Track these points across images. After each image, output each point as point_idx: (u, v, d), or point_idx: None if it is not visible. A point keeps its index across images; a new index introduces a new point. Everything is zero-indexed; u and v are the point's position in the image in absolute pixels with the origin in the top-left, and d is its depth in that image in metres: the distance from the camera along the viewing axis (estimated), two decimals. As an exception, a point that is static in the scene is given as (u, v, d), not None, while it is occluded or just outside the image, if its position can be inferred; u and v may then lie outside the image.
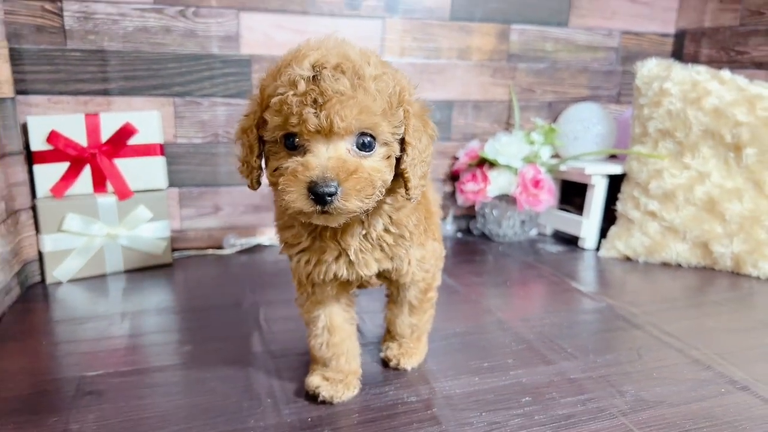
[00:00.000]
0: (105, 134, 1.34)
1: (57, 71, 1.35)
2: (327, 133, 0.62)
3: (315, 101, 0.61)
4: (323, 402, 0.83)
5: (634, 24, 1.83)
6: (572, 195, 1.81)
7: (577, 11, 1.75)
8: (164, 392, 0.86)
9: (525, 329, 1.10)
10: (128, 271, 1.39)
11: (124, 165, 1.36)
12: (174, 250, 1.52)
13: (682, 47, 1.86)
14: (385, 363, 0.95)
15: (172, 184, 1.50)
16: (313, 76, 0.61)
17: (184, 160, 1.50)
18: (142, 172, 1.38)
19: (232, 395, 0.85)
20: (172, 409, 0.82)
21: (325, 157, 0.63)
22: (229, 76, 1.47)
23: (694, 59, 1.81)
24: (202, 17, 1.42)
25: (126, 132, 1.35)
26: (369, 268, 0.77)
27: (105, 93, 1.40)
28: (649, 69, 1.54)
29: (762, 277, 1.40)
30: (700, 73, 1.48)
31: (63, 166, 1.32)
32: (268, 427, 0.78)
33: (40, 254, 1.31)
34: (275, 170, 0.67)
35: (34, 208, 1.30)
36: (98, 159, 1.33)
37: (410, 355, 0.94)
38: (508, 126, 1.78)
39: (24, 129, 1.30)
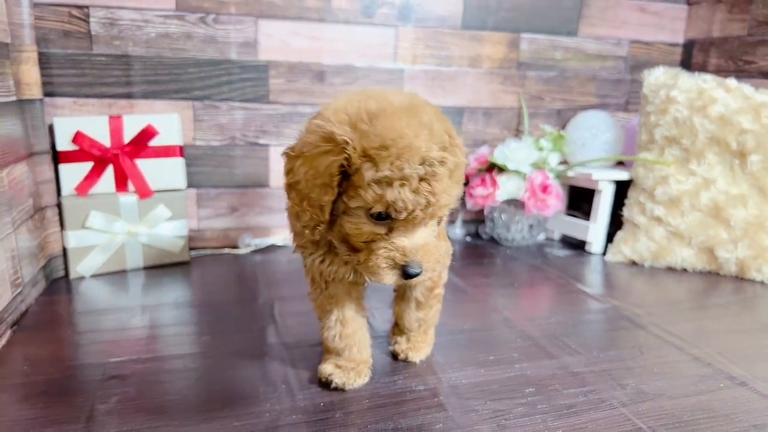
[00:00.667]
0: (127, 136, 1.40)
1: (83, 75, 1.41)
2: (423, 221, 0.68)
3: (427, 201, 0.65)
4: (336, 389, 0.87)
5: (643, 33, 1.86)
6: (581, 201, 1.84)
7: (586, 20, 1.79)
8: (184, 377, 0.91)
9: (531, 327, 1.13)
10: (147, 268, 1.44)
11: (145, 165, 1.42)
12: (191, 248, 1.57)
13: (691, 56, 1.89)
14: (394, 356, 0.99)
15: (190, 185, 1.55)
16: (423, 175, 0.64)
17: (203, 162, 1.55)
18: (162, 173, 1.43)
19: (248, 382, 0.90)
20: (191, 393, 0.86)
21: (419, 244, 0.68)
22: (247, 81, 1.53)
23: (703, 68, 1.84)
24: (222, 24, 1.47)
25: (147, 134, 1.40)
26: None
27: (128, 96, 1.45)
28: (657, 77, 1.57)
29: (766, 281, 1.43)
30: (707, 81, 1.51)
31: (87, 166, 1.37)
32: (283, 410, 0.82)
33: (65, 250, 1.36)
34: (351, 226, 0.69)
35: (59, 206, 1.36)
36: (120, 159, 1.39)
37: (418, 349, 0.98)
38: (517, 132, 1.81)
39: (51, 130, 1.36)
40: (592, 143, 1.73)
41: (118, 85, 1.44)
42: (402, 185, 0.63)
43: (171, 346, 1.02)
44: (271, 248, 1.63)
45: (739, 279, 1.46)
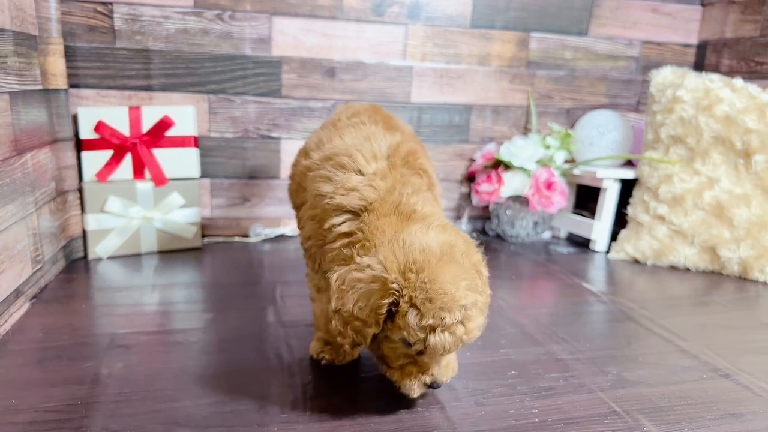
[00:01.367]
0: (145, 126, 1.47)
1: (106, 68, 1.49)
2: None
3: (462, 341, 0.71)
4: (326, 364, 0.91)
5: (655, 34, 1.87)
6: (587, 200, 1.86)
7: (597, 20, 1.81)
8: (185, 349, 0.96)
9: (522, 316, 1.16)
10: (161, 252, 1.51)
11: (161, 154, 1.49)
12: (204, 236, 1.63)
13: (704, 57, 1.89)
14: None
15: (204, 175, 1.62)
16: (460, 319, 0.70)
17: (216, 153, 1.62)
18: (177, 162, 1.50)
19: (245, 354, 0.95)
20: (190, 363, 0.92)
21: (443, 366, 0.77)
22: (260, 76, 1.59)
23: (716, 69, 1.84)
24: (238, 20, 1.54)
25: (164, 124, 1.47)
26: None
27: (147, 89, 1.53)
28: (664, 76, 1.58)
29: (768, 282, 1.43)
30: (713, 80, 1.51)
31: (107, 154, 1.45)
32: (275, 380, 0.86)
33: (84, 232, 1.44)
34: (386, 348, 0.77)
35: (80, 190, 1.43)
36: (138, 148, 1.46)
37: None
38: (525, 130, 1.84)
39: (74, 119, 1.44)
40: (599, 141, 1.74)
41: (138, 78, 1.52)
42: (442, 331, 0.70)
43: (176, 321, 1.08)
44: (281, 238, 1.68)
45: (742, 279, 1.47)
